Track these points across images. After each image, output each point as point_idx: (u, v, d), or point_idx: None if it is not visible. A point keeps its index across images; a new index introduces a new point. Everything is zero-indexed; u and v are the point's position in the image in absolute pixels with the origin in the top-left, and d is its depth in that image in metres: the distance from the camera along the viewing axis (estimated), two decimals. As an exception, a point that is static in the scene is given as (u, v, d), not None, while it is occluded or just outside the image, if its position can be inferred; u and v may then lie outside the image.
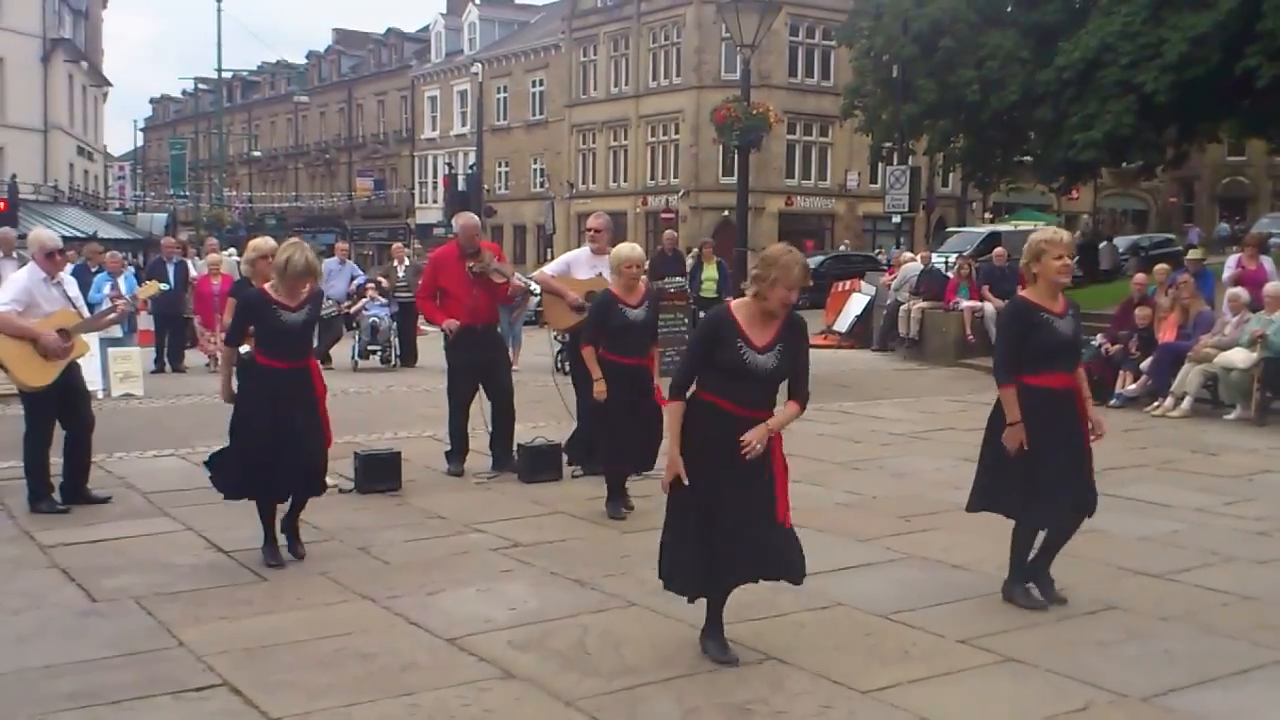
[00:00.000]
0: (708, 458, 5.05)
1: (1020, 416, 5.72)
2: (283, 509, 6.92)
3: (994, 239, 26.84)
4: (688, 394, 5.14)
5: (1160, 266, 15.92)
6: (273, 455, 6.60)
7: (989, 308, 18.53)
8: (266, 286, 6.77)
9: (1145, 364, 13.75)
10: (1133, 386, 13.81)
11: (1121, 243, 37.92)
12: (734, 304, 5.25)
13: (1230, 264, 15.49)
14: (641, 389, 7.83)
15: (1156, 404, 13.31)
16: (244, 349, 6.85)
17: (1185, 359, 13.24)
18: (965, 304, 18.91)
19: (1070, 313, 5.85)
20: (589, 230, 9.69)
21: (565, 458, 9.06)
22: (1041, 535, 6.08)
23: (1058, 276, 5.75)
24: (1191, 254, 17.12)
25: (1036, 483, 5.77)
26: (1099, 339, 14.90)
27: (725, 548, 5.08)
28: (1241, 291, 13.47)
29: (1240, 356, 12.70)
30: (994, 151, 32.42)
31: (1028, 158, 32.40)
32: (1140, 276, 15.71)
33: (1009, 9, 30.66)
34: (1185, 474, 9.80)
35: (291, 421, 6.61)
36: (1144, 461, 10.36)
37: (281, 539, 6.87)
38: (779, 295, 5.00)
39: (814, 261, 37.29)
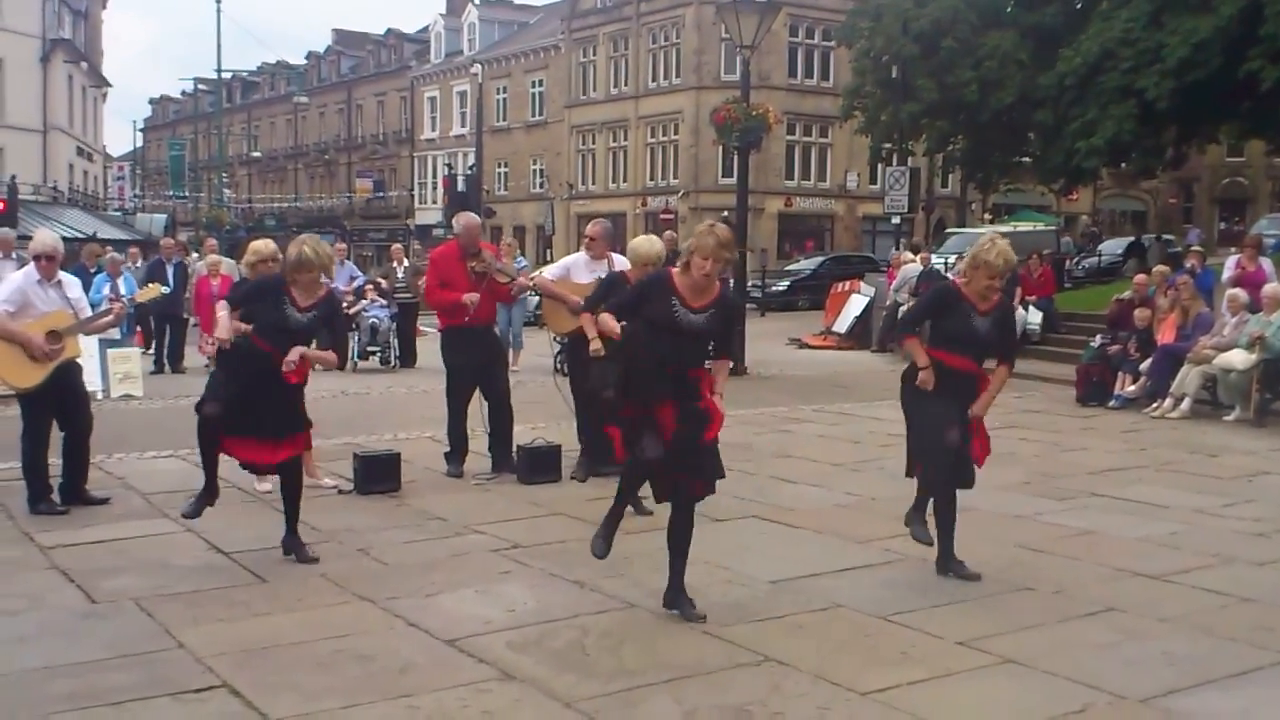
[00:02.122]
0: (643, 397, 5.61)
1: (926, 363, 6.32)
2: (278, 510, 6.92)
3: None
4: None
5: (1160, 268, 15.93)
6: (240, 415, 6.60)
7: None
8: (290, 284, 6.77)
9: (1144, 365, 13.76)
10: (1132, 388, 13.82)
11: (1119, 244, 37.96)
12: (673, 269, 5.82)
13: (1229, 265, 15.50)
14: None
15: (1155, 405, 13.32)
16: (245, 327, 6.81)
17: (1184, 360, 13.25)
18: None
19: (994, 314, 6.38)
20: (586, 238, 9.69)
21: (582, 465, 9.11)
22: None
23: (984, 293, 6.33)
24: (1194, 248, 17.14)
25: (919, 440, 6.47)
26: (1098, 339, 14.93)
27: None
28: (1240, 292, 13.47)
29: (1239, 358, 12.71)
30: (993, 152, 32.42)
31: (1027, 159, 32.42)
32: (1140, 277, 15.72)
33: (1009, 9, 30.65)
34: (1184, 475, 9.81)
35: (264, 395, 6.61)
36: (1143, 463, 10.36)
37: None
38: (696, 264, 5.59)
39: (813, 263, 37.52)
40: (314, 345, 6.77)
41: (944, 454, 6.37)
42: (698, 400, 5.70)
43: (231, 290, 6.98)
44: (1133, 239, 38.04)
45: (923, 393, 6.35)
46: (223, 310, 6.80)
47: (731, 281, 18.34)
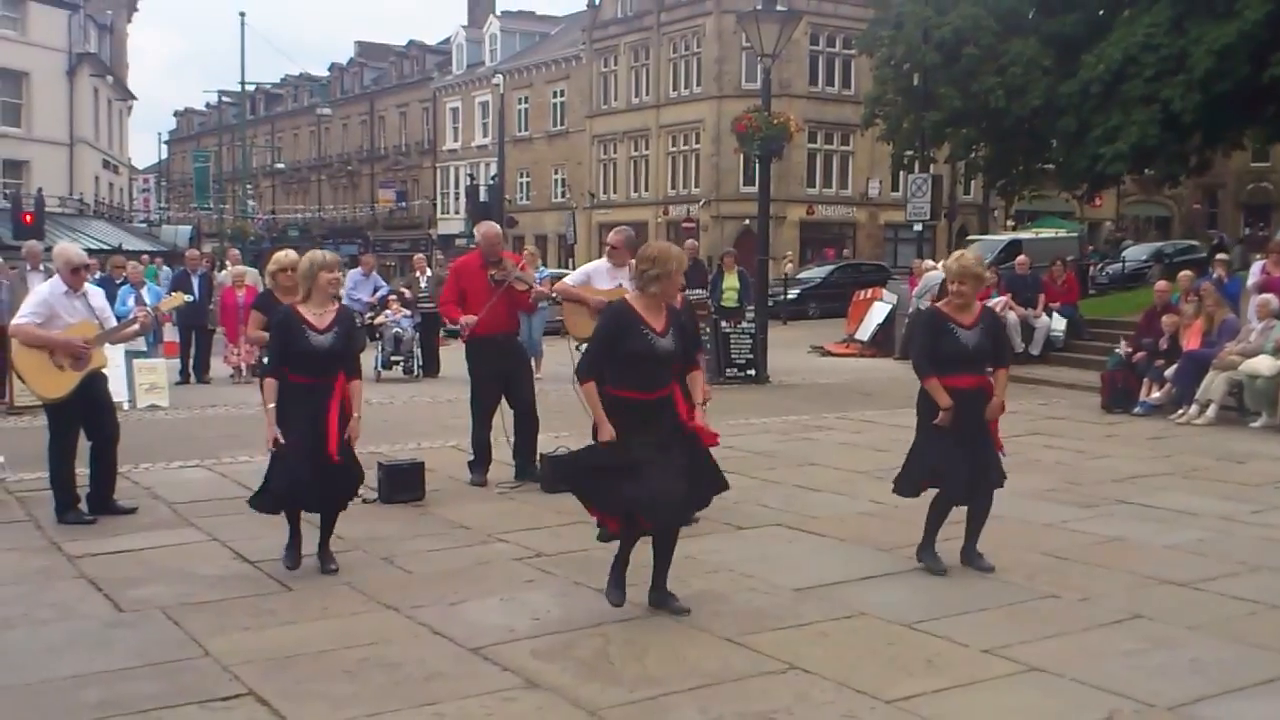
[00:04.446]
0: (633, 442, 5.74)
1: (949, 403, 6.56)
2: (313, 524, 6.94)
3: (1014, 247, 26.78)
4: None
5: (1184, 274, 15.84)
6: (306, 469, 6.63)
7: (1011, 316, 18.48)
8: (299, 306, 6.81)
9: (1169, 372, 13.68)
10: (1157, 394, 13.74)
11: (1144, 250, 37.79)
12: (629, 298, 6.02)
13: (1255, 271, 15.39)
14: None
15: (1181, 412, 13.24)
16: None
17: (1210, 366, 13.16)
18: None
19: (980, 325, 6.70)
20: (608, 245, 9.72)
21: None
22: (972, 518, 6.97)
23: (959, 304, 6.69)
24: (1219, 256, 17.02)
25: (935, 462, 6.70)
26: (1122, 346, 14.84)
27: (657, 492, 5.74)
28: (1271, 298, 13.34)
29: (1265, 364, 12.63)
30: (1016, 159, 32.30)
31: (1050, 165, 32.29)
32: (1162, 284, 15.63)
33: (1030, 16, 30.53)
34: (1211, 482, 9.75)
35: (320, 435, 6.65)
36: (1169, 470, 10.31)
37: (313, 560, 6.90)
38: (676, 280, 5.88)
39: (824, 270, 37.40)
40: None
41: (952, 489, 6.76)
42: (679, 426, 5.87)
43: (268, 367, 6.97)
44: (1159, 245, 37.92)
45: (938, 426, 6.64)
46: (271, 393, 6.72)
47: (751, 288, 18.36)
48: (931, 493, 6.91)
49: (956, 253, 7.09)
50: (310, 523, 6.95)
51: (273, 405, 6.66)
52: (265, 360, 7.42)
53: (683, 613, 5.96)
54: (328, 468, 6.68)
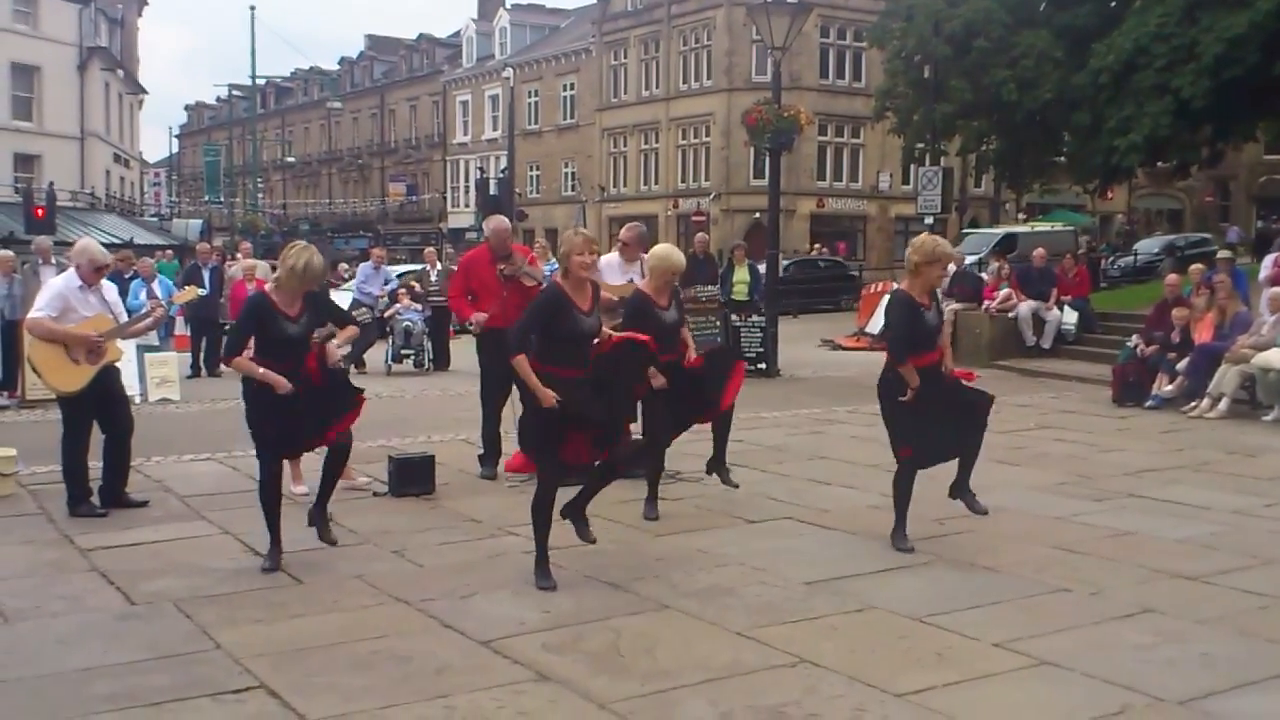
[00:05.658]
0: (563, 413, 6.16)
1: (916, 383, 6.94)
2: (301, 507, 6.96)
3: (1010, 240, 26.68)
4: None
5: (1195, 266, 15.77)
6: (289, 435, 6.73)
7: (1023, 308, 18.44)
8: (268, 289, 6.79)
9: (1182, 365, 13.63)
10: (1169, 388, 13.69)
11: (1156, 243, 37.66)
12: (558, 281, 6.42)
13: (1267, 264, 15.34)
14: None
15: (1193, 405, 13.20)
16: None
17: (1222, 360, 13.12)
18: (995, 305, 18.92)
19: (934, 305, 7.22)
20: (620, 242, 9.74)
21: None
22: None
23: (936, 284, 7.29)
24: (1221, 254, 16.93)
25: (918, 436, 7.04)
26: (1134, 339, 14.79)
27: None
28: (1281, 291, 13.31)
29: (1278, 357, 12.58)
30: (1027, 152, 32.23)
31: (1061, 159, 32.21)
32: (1173, 277, 15.57)
33: (1041, 9, 30.47)
34: (1222, 475, 9.71)
35: (296, 406, 6.60)
36: (1181, 463, 10.28)
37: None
38: (576, 262, 6.27)
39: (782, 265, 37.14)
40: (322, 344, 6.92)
41: (920, 456, 7.12)
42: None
43: (231, 340, 6.93)
44: (1170, 238, 37.75)
45: (903, 405, 7.02)
46: (249, 361, 6.69)
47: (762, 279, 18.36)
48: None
49: (921, 237, 7.34)
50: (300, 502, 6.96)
51: (261, 370, 6.62)
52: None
53: (590, 542, 6.56)
54: (316, 399, 6.67)
